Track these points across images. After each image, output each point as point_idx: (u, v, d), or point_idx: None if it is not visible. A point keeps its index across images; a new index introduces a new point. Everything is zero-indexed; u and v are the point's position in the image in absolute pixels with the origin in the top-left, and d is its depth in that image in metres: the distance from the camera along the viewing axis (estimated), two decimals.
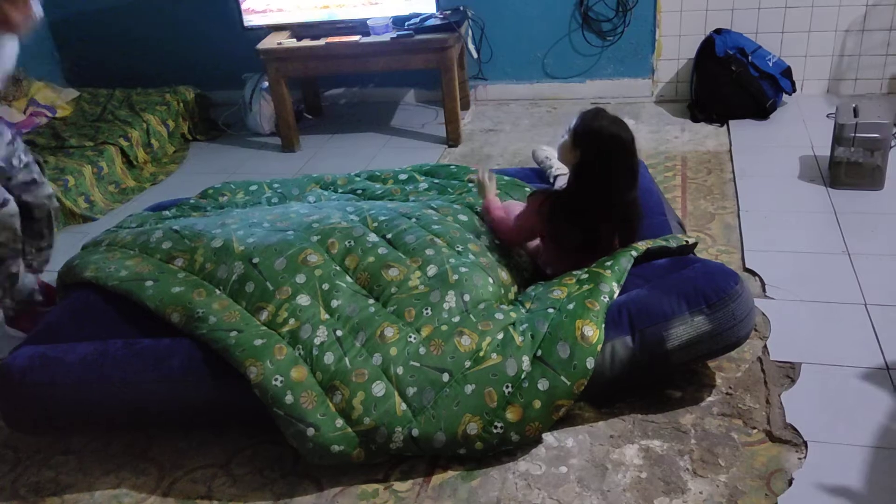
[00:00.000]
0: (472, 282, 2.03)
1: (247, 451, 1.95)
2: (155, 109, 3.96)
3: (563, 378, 1.80)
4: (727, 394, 1.99)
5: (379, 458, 1.82)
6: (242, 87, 4.11)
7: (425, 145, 3.81)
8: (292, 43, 3.68)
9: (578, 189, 2.07)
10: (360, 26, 3.68)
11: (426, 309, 1.96)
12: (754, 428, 1.88)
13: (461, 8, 3.78)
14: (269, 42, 3.75)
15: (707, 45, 3.69)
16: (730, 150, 3.39)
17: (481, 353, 1.86)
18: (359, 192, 2.72)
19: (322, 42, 3.64)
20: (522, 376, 1.82)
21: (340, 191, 2.76)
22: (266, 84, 3.93)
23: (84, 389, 1.91)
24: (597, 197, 2.04)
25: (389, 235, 2.19)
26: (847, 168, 2.92)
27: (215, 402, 1.91)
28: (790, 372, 2.05)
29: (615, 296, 1.96)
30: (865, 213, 2.78)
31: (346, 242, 2.14)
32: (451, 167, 2.83)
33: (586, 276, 2.03)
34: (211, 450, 1.97)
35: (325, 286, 2.01)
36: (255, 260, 2.08)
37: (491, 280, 2.08)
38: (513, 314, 1.97)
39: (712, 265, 2.01)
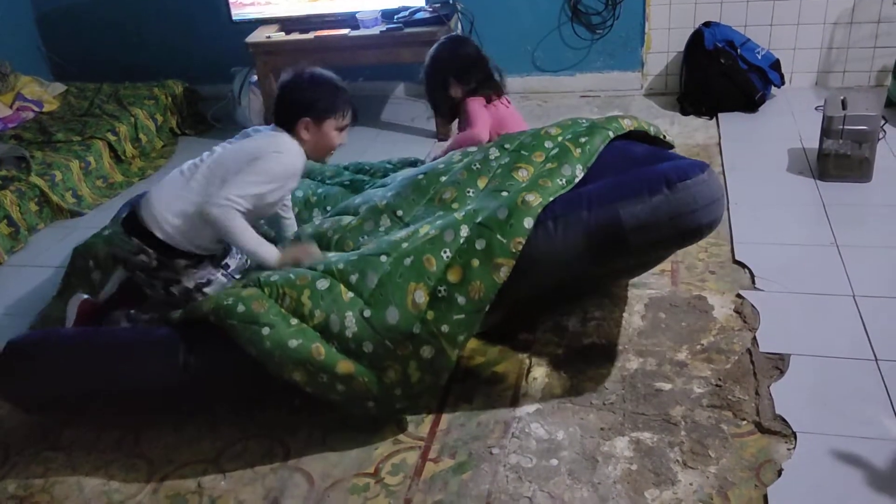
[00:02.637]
0: (401, 196, 2.14)
1: (237, 446, 1.95)
2: (143, 104, 3.94)
3: (498, 236, 1.81)
4: (717, 385, 2.00)
5: (342, 358, 1.79)
6: (231, 81, 4.09)
7: (415, 139, 3.80)
8: (281, 36, 3.67)
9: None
10: (350, 20, 3.67)
11: (363, 236, 2.09)
12: (744, 419, 1.88)
13: (450, 1, 3.77)
14: (257, 35, 3.73)
15: (696, 38, 3.70)
16: (719, 143, 3.40)
17: (418, 234, 1.92)
18: (346, 183, 2.72)
19: (311, 35, 3.63)
20: (461, 241, 1.86)
21: (328, 182, 2.76)
22: (255, 78, 3.91)
23: (83, 358, 1.93)
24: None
25: (328, 207, 2.39)
26: (835, 160, 2.93)
27: (218, 385, 1.93)
28: (779, 363, 2.06)
29: (576, 180, 1.96)
30: (854, 205, 2.79)
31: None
32: (440, 165, 2.82)
33: (556, 151, 2.05)
34: (201, 444, 1.97)
35: None
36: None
37: (421, 177, 2.17)
38: (455, 205, 2.03)
39: (684, 160, 1.96)
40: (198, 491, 1.83)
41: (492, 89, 2.74)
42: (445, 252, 1.85)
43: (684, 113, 3.75)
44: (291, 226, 2.39)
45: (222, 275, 2.14)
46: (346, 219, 2.21)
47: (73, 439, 2.03)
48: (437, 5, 3.68)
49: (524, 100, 4.13)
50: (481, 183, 2.07)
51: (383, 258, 1.88)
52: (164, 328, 1.96)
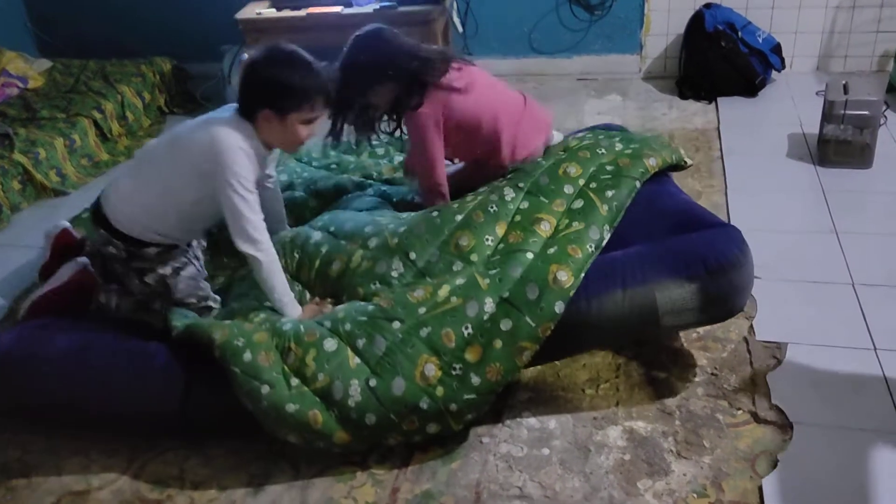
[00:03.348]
0: (412, 234, 1.96)
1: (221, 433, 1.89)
2: (130, 81, 3.85)
3: (527, 319, 1.72)
4: (712, 374, 1.96)
5: (339, 428, 1.69)
6: (221, 59, 4.00)
7: None
8: (272, 13, 3.58)
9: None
10: None
11: (374, 283, 1.92)
12: (739, 409, 1.84)
13: None
14: (247, 12, 3.64)
15: (696, 20, 3.63)
16: (718, 128, 3.34)
17: (438, 300, 1.79)
18: (332, 166, 2.65)
19: (303, 13, 3.54)
20: (485, 318, 1.74)
21: (315, 164, 2.69)
22: (246, 56, 3.81)
23: (65, 379, 1.84)
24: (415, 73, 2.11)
25: (332, 228, 2.15)
26: (836, 146, 2.88)
27: (197, 403, 1.82)
28: (776, 352, 2.01)
29: (604, 242, 1.88)
30: (854, 191, 2.74)
31: (296, 253, 2.10)
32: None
33: (581, 203, 1.95)
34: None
35: None
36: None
37: (434, 214, 2.00)
38: (474, 256, 1.88)
39: (719, 231, 1.90)
40: (179, 477, 1.78)
41: (432, 73, 2.14)
42: (467, 328, 1.73)
43: (683, 97, 3.69)
44: (281, 214, 2.27)
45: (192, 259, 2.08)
46: (356, 252, 1.99)
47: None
48: None
49: (520, 82, 4.05)
50: (500, 230, 1.93)
51: (395, 324, 1.76)
52: (162, 353, 1.85)
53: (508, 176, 2.14)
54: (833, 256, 2.38)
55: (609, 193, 1.97)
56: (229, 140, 1.86)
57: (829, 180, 2.82)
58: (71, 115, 3.51)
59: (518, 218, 1.95)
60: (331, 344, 1.76)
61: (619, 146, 2.17)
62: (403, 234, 1.97)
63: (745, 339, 2.06)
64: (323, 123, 2.06)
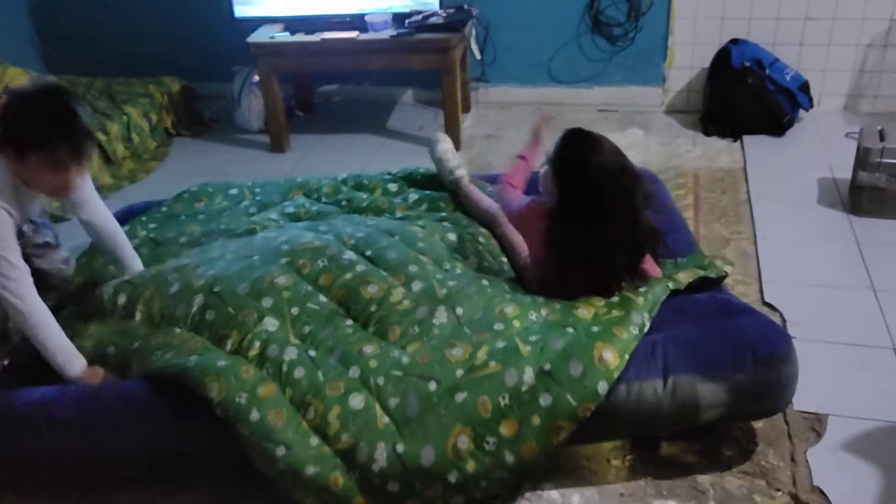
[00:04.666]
0: (462, 293, 1.85)
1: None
2: (137, 101, 3.74)
3: (568, 396, 1.60)
4: (748, 449, 1.82)
5: (359, 493, 1.58)
6: (231, 80, 3.90)
7: (423, 150, 3.54)
8: (285, 37, 3.48)
9: (563, 219, 1.84)
10: (358, 21, 3.48)
11: (413, 326, 1.79)
12: (779, 490, 1.71)
13: (465, 6, 3.59)
14: (260, 35, 3.54)
15: (723, 55, 3.51)
16: (744, 168, 3.21)
17: (476, 363, 1.68)
18: (343, 203, 2.53)
19: (317, 37, 3.44)
20: (523, 388, 1.62)
21: (324, 200, 2.57)
22: (256, 78, 3.72)
23: (36, 435, 1.70)
24: (586, 226, 1.81)
25: (369, 252, 2.03)
26: (870, 194, 2.75)
27: (184, 444, 1.71)
28: (816, 424, 1.88)
29: (645, 329, 1.76)
30: (890, 244, 2.61)
31: (320, 262, 1.98)
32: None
33: (617, 299, 1.84)
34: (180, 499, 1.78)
35: (295, 310, 1.85)
36: (217, 288, 1.92)
37: (486, 283, 1.89)
38: (516, 322, 1.77)
39: (761, 318, 1.80)
40: None
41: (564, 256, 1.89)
42: (504, 398, 1.61)
43: (707, 133, 3.57)
44: (134, 261, 2.15)
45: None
46: (397, 288, 1.88)
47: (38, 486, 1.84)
48: (452, 10, 3.49)
49: (538, 111, 3.93)
50: (544, 311, 1.83)
51: (432, 385, 1.64)
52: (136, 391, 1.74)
53: None
54: (871, 316, 2.25)
55: (642, 289, 1.86)
56: None
57: (864, 230, 2.69)
58: None
59: (557, 306, 1.86)
60: (357, 400, 1.64)
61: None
62: (453, 289, 1.86)
63: (783, 410, 1.92)
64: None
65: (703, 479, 1.74)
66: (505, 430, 1.59)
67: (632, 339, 1.70)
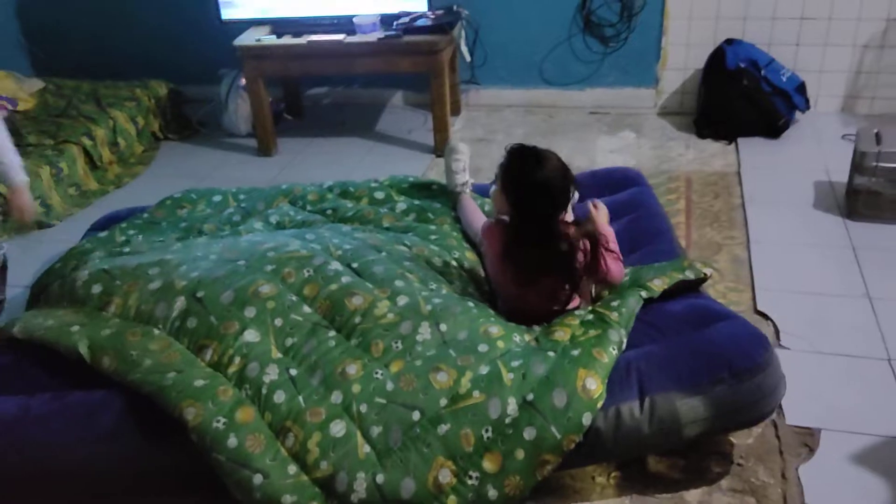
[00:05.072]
0: (448, 311, 1.80)
1: None
2: (123, 105, 3.69)
3: (553, 429, 1.56)
4: (738, 464, 1.77)
5: None
6: (219, 82, 3.84)
7: (412, 154, 3.56)
8: (272, 40, 3.42)
9: (519, 231, 1.82)
10: (346, 24, 3.42)
11: (396, 342, 1.74)
12: None
13: (454, 8, 3.53)
14: (247, 38, 3.48)
15: (717, 57, 3.45)
16: (738, 172, 3.16)
17: (461, 391, 1.63)
18: (328, 211, 2.47)
19: (304, 40, 3.38)
20: (507, 421, 1.58)
21: (309, 208, 2.51)
22: (244, 82, 3.67)
23: (1, 452, 1.66)
24: (537, 235, 1.80)
25: (355, 265, 1.98)
26: (866, 198, 2.70)
27: (155, 464, 1.66)
28: (808, 439, 1.82)
29: (623, 346, 1.72)
30: (887, 249, 2.55)
31: (305, 271, 1.93)
32: (433, 186, 2.56)
33: (591, 317, 1.79)
34: None
35: (279, 321, 1.80)
36: (200, 294, 1.86)
37: (471, 304, 1.84)
38: (500, 343, 1.72)
39: (737, 326, 1.75)
40: None
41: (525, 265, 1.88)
42: (487, 431, 1.57)
43: (701, 136, 3.51)
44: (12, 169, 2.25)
45: None
46: (382, 301, 1.83)
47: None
48: (441, 12, 3.43)
49: (529, 114, 3.89)
50: (528, 336, 1.79)
51: (416, 415, 1.59)
52: (109, 407, 1.68)
53: None
54: (867, 326, 2.19)
55: (615, 303, 1.81)
56: None
57: (860, 235, 2.63)
58: (59, 142, 3.35)
59: (537, 329, 1.82)
60: (339, 428, 1.59)
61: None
62: (438, 306, 1.81)
63: (774, 423, 1.87)
64: None
65: (691, 497, 1.69)
66: (488, 464, 1.55)
67: (612, 360, 1.65)
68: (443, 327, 1.76)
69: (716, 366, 1.63)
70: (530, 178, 1.75)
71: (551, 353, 1.68)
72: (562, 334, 1.74)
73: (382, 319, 1.79)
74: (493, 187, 1.93)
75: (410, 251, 2.10)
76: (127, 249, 2.28)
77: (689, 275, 1.93)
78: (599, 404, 1.59)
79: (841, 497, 1.66)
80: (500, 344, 1.72)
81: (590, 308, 1.85)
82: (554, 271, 1.83)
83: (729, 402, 1.62)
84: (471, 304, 1.85)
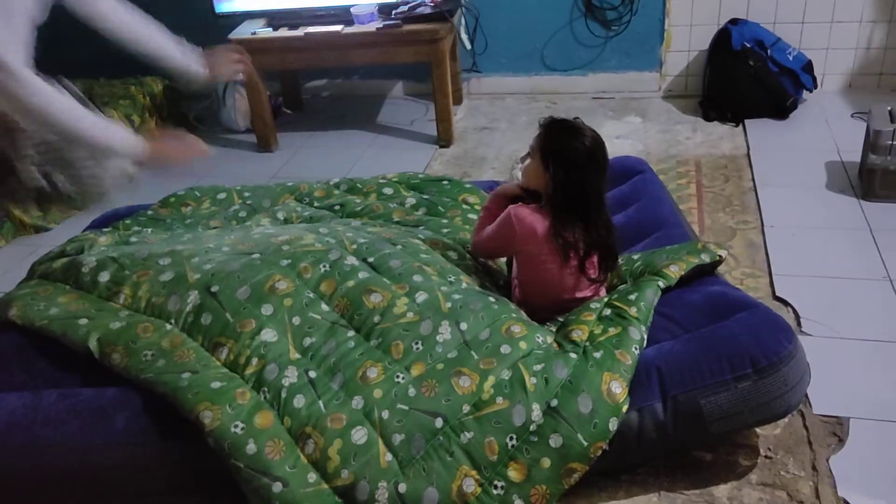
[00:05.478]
0: (468, 308, 1.74)
1: None
2: (118, 104, 3.61)
3: (579, 436, 1.51)
4: (766, 457, 1.72)
5: None
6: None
7: (415, 145, 3.50)
8: (268, 33, 3.35)
9: (556, 213, 1.77)
10: (343, 14, 3.35)
11: (416, 343, 1.68)
12: (801, 502, 1.61)
13: None
14: (242, 31, 3.42)
15: (722, 37, 3.39)
16: (748, 154, 3.10)
17: (483, 397, 1.58)
18: (336, 207, 2.41)
19: (301, 32, 3.31)
20: (532, 428, 1.54)
21: (317, 205, 2.45)
22: (241, 76, 3.59)
23: (11, 454, 1.61)
24: (576, 217, 1.76)
25: (371, 259, 1.92)
26: (882, 178, 2.64)
27: (169, 467, 1.61)
28: (837, 429, 1.78)
29: (644, 343, 1.67)
30: None
31: (322, 266, 1.86)
32: (444, 183, 2.50)
33: (609, 311, 1.74)
34: None
35: (297, 320, 1.74)
36: (214, 288, 1.80)
37: (492, 300, 1.79)
38: (523, 344, 1.67)
39: (759, 316, 1.69)
40: None
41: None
42: (511, 439, 1.52)
43: (707, 118, 3.45)
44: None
45: None
46: (401, 298, 1.77)
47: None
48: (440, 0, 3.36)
49: (532, 101, 3.83)
50: (549, 338, 1.73)
51: (439, 422, 1.55)
52: (122, 408, 1.64)
53: None
54: (890, 309, 2.15)
55: (632, 296, 1.76)
56: None
57: (877, 216, 2.58)
58: None
59: (553, 330, 1.78)
60: (360, 434, 1.54)
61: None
62: (458, 303, 1.75)
63: (801, 413, 1.82)
64: None
65: (720, 493, 1.64)
66: (514, 473, 1.51)
67: (635, 362, 1.61)
68: (463, 326, 1.71)
69: (739, 361, 1.58)
70: (579, 149, 1.71)
71: (573, 355, 1.63)
72: (580, 333, 1.69)
73: (402, 318, 1.73)
74: (520, 165, 1.86)
75: (425, 244, 2.04)
76: (134, 239, 2.22)
77: (705, 258, 1.88)
78: (625, 408, 1.55)
79: (875, 488, 1.61)
80: (523, 345, 1.67)
81: (605, 300, 1.81)
82: (602, 245, 1.79)
83: (754, 396, 1.57)
84: (492, 298, 1.80)
